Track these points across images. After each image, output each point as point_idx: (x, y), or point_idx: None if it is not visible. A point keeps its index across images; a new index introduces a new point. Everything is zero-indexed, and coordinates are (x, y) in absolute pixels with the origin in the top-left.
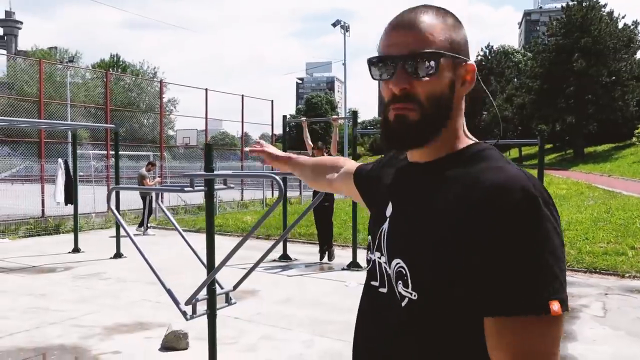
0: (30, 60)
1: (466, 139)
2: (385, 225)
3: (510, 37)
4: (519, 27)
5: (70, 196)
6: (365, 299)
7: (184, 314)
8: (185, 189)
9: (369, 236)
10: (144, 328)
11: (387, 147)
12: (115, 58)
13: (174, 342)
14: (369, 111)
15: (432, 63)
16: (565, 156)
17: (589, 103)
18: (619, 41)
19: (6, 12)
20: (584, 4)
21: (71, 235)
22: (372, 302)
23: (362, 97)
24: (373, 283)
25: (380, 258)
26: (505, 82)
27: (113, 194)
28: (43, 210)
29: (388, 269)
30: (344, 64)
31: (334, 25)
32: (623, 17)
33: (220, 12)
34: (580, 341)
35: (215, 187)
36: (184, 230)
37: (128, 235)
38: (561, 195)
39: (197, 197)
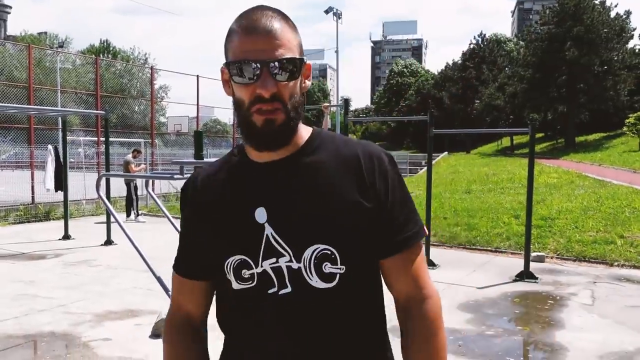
0: (20, 45)
1: (306, 128)
2: (268, 231)
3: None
4: (512, 16)
5: (61, 183)
6: (249, 320)
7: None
8: (175, 176)
9: (235, 256)
10: (134, 315)
11: (257, 148)
12: (105, 44)
13: (163, 329)
14: (361, 99)
15: (295, 68)
16: (556, 145)
17: (580, 92)
18: (610, 30)
19: None
20: None
21: (61, 222)
22: (270, 312)
23: (355, 84)
24: (271, 291)
25: (276, 262)
26: (498, 71)
27: (103, 181)
28: (33, 197)
29: (293, 265)
30: (337, 52)
31: (327, 12)
32: (615, 6)
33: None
34: (569, 329)
35: None
36: (175, 217)
37: (117, 222)
38: (552, 184)
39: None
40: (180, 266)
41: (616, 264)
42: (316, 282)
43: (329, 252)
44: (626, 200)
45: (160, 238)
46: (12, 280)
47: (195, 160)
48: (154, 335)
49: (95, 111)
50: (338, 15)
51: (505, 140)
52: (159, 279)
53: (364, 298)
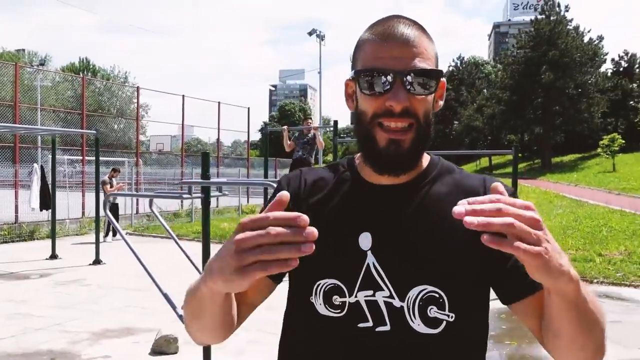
0: (3, 63)
1: (425, 156)
2: (370, 260)
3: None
4: (489, 39)
5: (46, 202)
6: (342, 347)
7: (181, 317)
8: (184, 195)
9: (328, 279)
10: (130, 333)
11: (379, 171)
12: (85, 62)
13: (164, 346)
14: (342, 119)
15: (433, 81)
16: (533, 165)
17: (556, 114)
18: (584, 55)
19: None
20: (551, 18)
21: (46, 242)
22: (362, 347)
23: (335, 105)
24: (363, 325)
25: (372, 295)
26: (476, 93)
27: (108, 199)
28: (17, 216)
29: (395, 303)
30: (319, 73)
31: (310, 34)
32: (589, 32)
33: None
34: None
35: (212, 194)
36: (162, 237)
37: (124, 240)
38: None
39: (173, 204)
40: None
41: (596, 281)
42: (418, 325)
43: (437, 296)
44: (603, 220)
45: (151, 257)
46: (4, 299)
47: (202, 181)
48: (154, 352)
49: (86, 131)
50: (321, 37)
51: (484, 160)
52: (165, 296)
53: (469, 348)
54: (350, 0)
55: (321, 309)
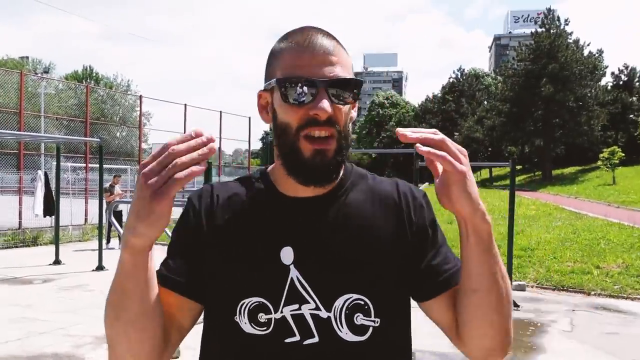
0: (7, 70)
1: None
2: (294, 274)
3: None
4: (489, 51)
5: (49, 208)
6: None
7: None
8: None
9: (251, 298)
10: None
11: (305, 183)
12: (88, 69)
13: None
14: None
15: (354, 90)
16: (533, 177)
17: (556, 127)
18: (584, 68)
19: None
20: (551, 32)
21: (49, 247)
22: None
23: None
24: (289, 340)
25: (298, 309)
26: (476, 104)
27: (111, 207)
28: (20, 222)
29: (321, 314)
30: None
31: None
32: (588, 45)
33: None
34: (549, 353)
35: None
36: (164, 245)
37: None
38: (530, 216)
39: (178, 211)
40: (168, 280)
41: (593, 293)
42: (346, 334)
43: (362, 303)
44: (601, 232)
45: (156, 262)
46: (10, 304)
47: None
48: None
49: (90, 138)
50: None
51: (484, 172)
52: None
53: (396, 351)
54: (351, 7)
55: (247, 327)
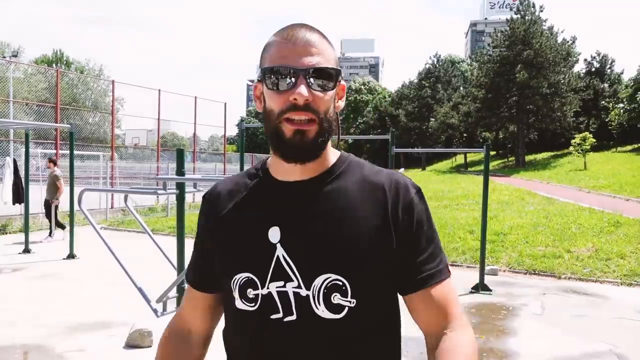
0: None
1: (334, 151)
2: (280, 252)
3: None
4: (466, 37)
5: (18, 196)
6: (249, 345)
7: (155, 311)
8: (159, 191)
9: (243, 273)
10: (105, 327)
11: (285, 158)
12: (58, 53)
13: (138, 340)
14: None
15: (333, 80)
16: (507, 163)
17: (530, 113)
18: (558, 54)
19: None
20: (526, 18)
21: (18, 236)
22: (273, 339)
23: None
24: (275, 317)
25: (283, 287)
26: (452, 90)
27: (84, 195)
28: None
29: (302, 292)
30: None
31: None
32: (562, 32)
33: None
34: (520, 336)
35: (187, 189)
36: (137, 232)
37: (99, 235)
38: (504, 201)
39: (149, 199)
40: (189, 274)
41: (564, 276)
42: (322, 311)
43: (340, 283)
44: (572, 217)
45: (129, 251)
46: None
47: (177, 177)
48: (128, 346)
49: (60, 124)
50: None
51: (460, 157)
52: (140, 290)
53: (376, 330)
54: None
55: (238, 303)
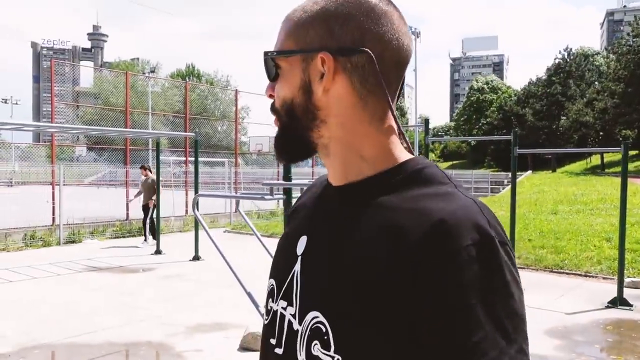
0: (116, 72)
1: (396, 155)
2: (297, 267)
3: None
4: (601, 28)
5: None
6: None
7: (262, 315)
8: (266, 197)
9: (271, 279)
10: (222, 328)
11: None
12: (190, 67)
13: (251, 343)
14: (439, 116)
15: (273, 64)
16: None
17: None
18: None
19: (94, 26)
20: None
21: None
22: None
23: (432, 102)
24: (272, 341)
25: (285, 309)
26: (586, 86)
27: (198, 200)
28: (127, 214)
29: (294, 324)
30: (415, 70)
31: None
32: None
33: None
34: None
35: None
36: (263, 236)
37: (210, 239)
38: None
39: (270, 203)
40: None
41: None
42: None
43: (323, 330)
44: None
45: (248, 255)
46: (114, 291)
47: (284, 182)
48: (242, 348)
49: (185, 133)
50: (417, 35)
51: (595, 158)
52: (249, 294)
53: None
54: None
55: (264, 314)
